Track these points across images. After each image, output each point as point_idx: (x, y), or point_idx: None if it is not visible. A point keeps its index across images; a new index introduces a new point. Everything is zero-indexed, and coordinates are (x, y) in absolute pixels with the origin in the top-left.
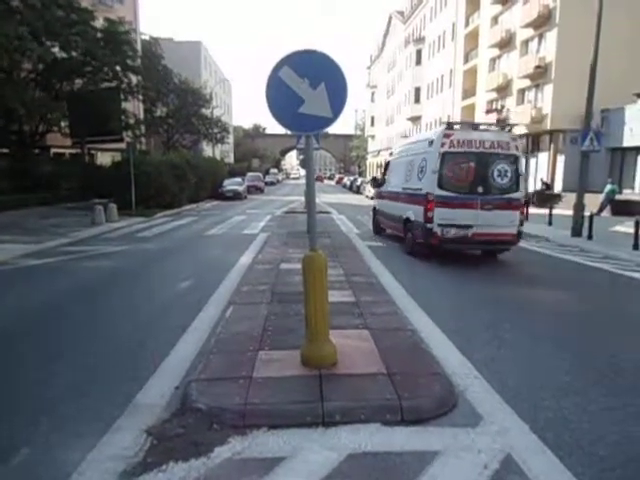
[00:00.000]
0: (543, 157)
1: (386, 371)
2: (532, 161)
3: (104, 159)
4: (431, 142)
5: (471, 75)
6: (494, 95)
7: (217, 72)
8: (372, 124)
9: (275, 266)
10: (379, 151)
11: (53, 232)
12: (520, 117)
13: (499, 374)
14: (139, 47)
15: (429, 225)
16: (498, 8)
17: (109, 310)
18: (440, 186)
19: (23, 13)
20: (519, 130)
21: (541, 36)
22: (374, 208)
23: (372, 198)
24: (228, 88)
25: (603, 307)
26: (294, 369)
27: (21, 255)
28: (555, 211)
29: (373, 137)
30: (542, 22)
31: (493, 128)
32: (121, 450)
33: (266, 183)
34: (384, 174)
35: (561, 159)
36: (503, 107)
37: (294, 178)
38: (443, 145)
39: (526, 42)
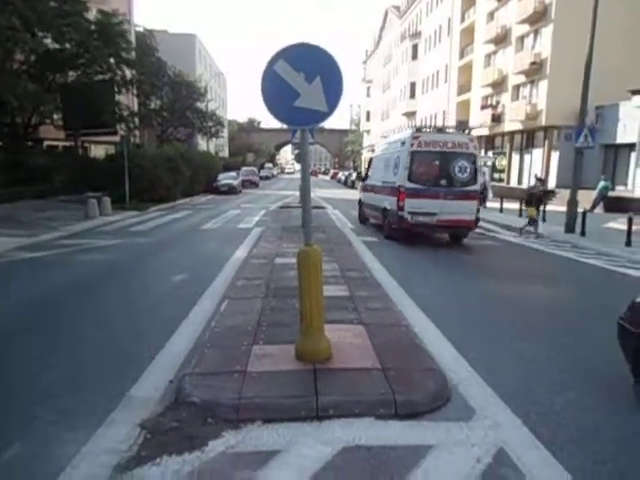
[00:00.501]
0: (537, 153)
1: (380, 366)
2: (526, 157)
3: (98, 152)
4: (403, 142)
5: (466, 71)
6: (489, 91)
7: (212, 65)
8: (367, 119)
9: (270, 260)
10: (374, 146)
11: (47, 225)
12: (515, 113)
13: (492, 369)
14: (133, 39)
15: (401, 213)
16: (494, 4)
17: (103, 304)
18: (410, 180)
19: (15, 3)
20: (514, 126)
21: (536, 32)
22: (359, 200)
23: None
24: (223, 82)
25: (597, 303)
26: (288, 363)
27: (15, 248)
28: (549, 207)
29: (368, 132)
30: (538, 18)
31: (454, 131)
32: (115, 444)
33: (261, 177)
34: (367, 170)
35: (555, 155)
36: (498, 103)
37: (288, 173)
38: (412, 145)
39: (521, 38)
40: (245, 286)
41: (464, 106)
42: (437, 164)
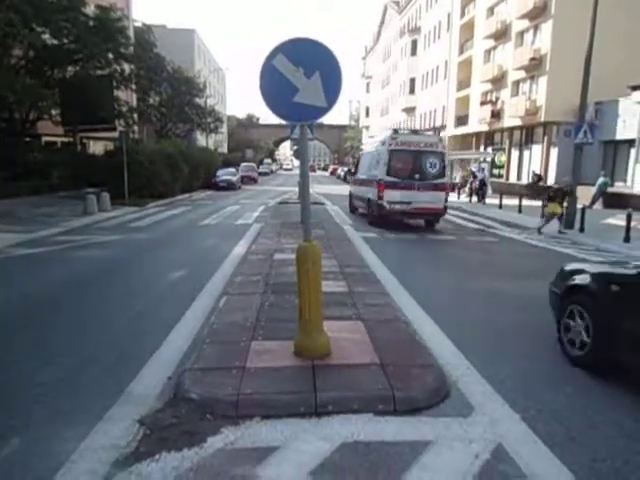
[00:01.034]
0: (536, 149)
1: (379, 361)
2: (526, 153)
3: (96, 148)
4: (383, 142)
5: (466, 66)
6: (489, 87)
7: (211, 61)
8: (367, 115)
9: (269, 256)
10: (418, 130)
11: (45, 221)
12: (514, 109)
13: (491, 365)
14: (131, 34)
15: (380, 202)
16: None
17: (102, 300)
18: (388, 174)
19: None
20: (513, 122)
21: (536, 27)
22: (350, 192)
23: None
24: (222, 78)
25: None
26: (287, 359)
27: (13, 244)
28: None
29: (368, 128)
30: (537, 13)
31: (427, 133)
32: (114, 440)
33: (260, 173)
34: (356, 166)
35: (554, 151)
36: (498, 99)
37: (286, 169)
38: (391, 145)
39: (521, 33)
40: (244, 282)
41: (464, 102)
42: (411, 161)
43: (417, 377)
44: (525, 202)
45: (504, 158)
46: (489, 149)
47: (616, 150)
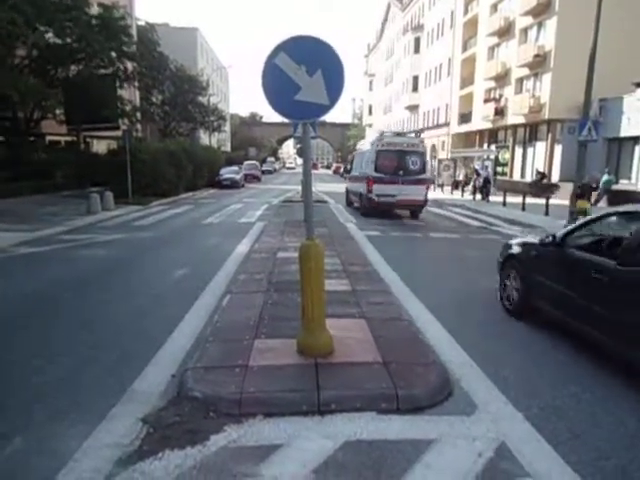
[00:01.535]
0: (540, 147)
1: (382, 360)
2: (529, 151)
3: (100, 147)
4: (372, 143)
5: (469, 64)
6: (492, 84)
7: (214, 60)
8: (370, 113)
9: (272, 255)
10: (403, 133)
11: (49, 220)
12: (518, 106)
13: (494, 363)
14: (134, 33)
15: (370, 195)
16: None
17: (105, 298)
18: (376, 171)
19: None
20: (517, 119)
21: (540, 24)
22: (346, 188)
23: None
24: (225, 76)
25: None
26: (290, 358)
27: (17, 243)
28: (552, 201)
29: (371, 126)
30: (541, 10)
31: (409, 135)
32: (117, 438)
33: (263, 172)
34: (351, 164)
35: (558, 149)
36: (501, 96)
37: (289, 167)
38: (378, 145)
39: (525, 30)
40: (247, 280)
41: (467, 99)
42: (396, 159)
43: (420, 375)
44: (529, 200)
45: (508, 156)
46: (493, 147)
47: (620, 147)
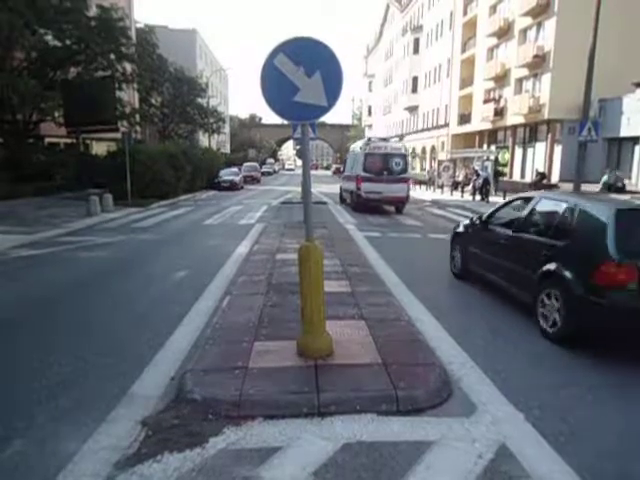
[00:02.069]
0: (540, 147)
1: (382, 361)
2: (529, 151)
3: (99, 149)
4: (361, 147)
5: (469, 64)
6: (492, 85)
7: (213, 62)
8: (369, 114)
9: (271, 256)
10: (387, 138)
11: (48, 222)
12: (518, 107)
13: (494, 364)
14: (133, 35)
15: (359, 192)
16: None
17: (105, 300)
18: (365, 171)
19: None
20: (517, 120)
21: (540, 25)
22: (340, 187)
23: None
24: (224, 78)
25: None
26: (290, 360)
27: (16, 245)
28: None
29: (370, 127)
30: (541, 10)
31: (393, 140)
32: (116, 441)
33: (262, 173)
34: (344, 165)
35: (558, 149)
36: (501, 97)
37: (289, 169)
38: (366, 149)
39: (524, 31)
40: (247, 282)
41: (466, 100)
42: (381, 161)
43: (420, 377)
44: None
45: (508, 156)
46: (492, 147)
47: (620, 147)
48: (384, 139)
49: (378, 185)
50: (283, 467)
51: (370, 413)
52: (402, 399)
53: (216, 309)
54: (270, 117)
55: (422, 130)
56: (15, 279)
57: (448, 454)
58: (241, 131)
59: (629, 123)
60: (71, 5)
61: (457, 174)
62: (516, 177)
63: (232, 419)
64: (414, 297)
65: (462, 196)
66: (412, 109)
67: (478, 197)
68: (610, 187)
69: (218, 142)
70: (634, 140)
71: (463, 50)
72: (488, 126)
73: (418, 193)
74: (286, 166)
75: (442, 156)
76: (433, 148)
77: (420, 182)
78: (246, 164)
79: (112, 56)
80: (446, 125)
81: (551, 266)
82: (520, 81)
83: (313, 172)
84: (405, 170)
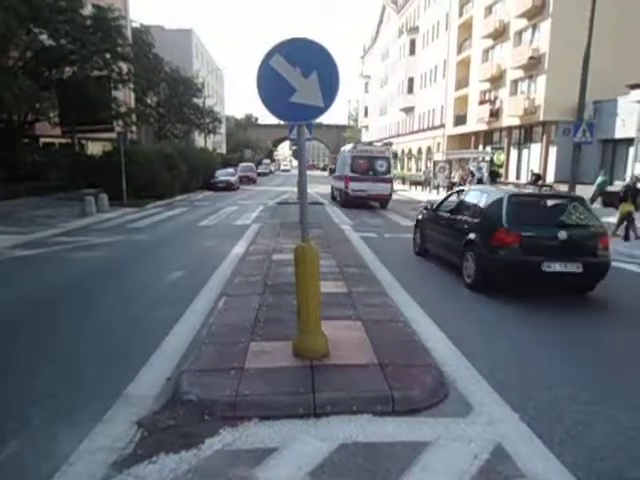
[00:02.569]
0: (535, 148)
1: (378, 362)
2: (524, 152)
3: (94, 149)
4: (349, 150)
5: (464, 66)
6: (487, 86)
7: (209, 62)
8: (365, 114)
9: (267, 257)
10: (372, 143)
11: (43, 222)
12: (513, 108)
13: (490, 365)
14: (129, 35)
15: (346, 190)
16: None
17: (100, 301)
18: (352, 171)
19: None
20: (512, 121)
21: (535, 27)
22: (331, 185)
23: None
24: (220, 78)
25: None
26: (286, 360)
27: (10, 246)
28: None
29: (367, 127)
30: (536, 12)
31: (377, 144)
32: (112, 442)
33: (259, 174)
34: (335, 166)
35: (553, 150)
36: (496, 98)
37: (284, 170)
38: (353, 152)
39: (520, 33)
40: (242, 283)
41: (462, 101)
42: (367, 163)
43: (416, 377)
44: None
45: (503, 157)
46: (488, 148)
47: (615, 149)
48: (370, 143)
49: (364, 184)
50: (279, 468)
51: (366, 414)
52: (398, 400)
53: (212, 310)
54: (266, 117)
55: (418, 131)
56: (9, 279)
57: (444, 454)
58: (237, 131)
59: (624, 125)
60: (66, 4)
61: (453, 175)
62: (511, 178)
63: (228, 420)
64: (410, 298)
65: None
66: (408, 110)
67: None
68: (628, 189)
69: (214, 142)
70: (628, 142)
71: (459, 51)
72: (484, 127)
73: (414, 194)
74: (282, 167)
75: (438, 157)
76: (429, 149)
77: (416, 183)
78: (242, 164)
79: (108, 56)
80: (442, 126)
81: (470, 236)
82: (515, 82)
83: (309, 172)
84: (389, 171)
